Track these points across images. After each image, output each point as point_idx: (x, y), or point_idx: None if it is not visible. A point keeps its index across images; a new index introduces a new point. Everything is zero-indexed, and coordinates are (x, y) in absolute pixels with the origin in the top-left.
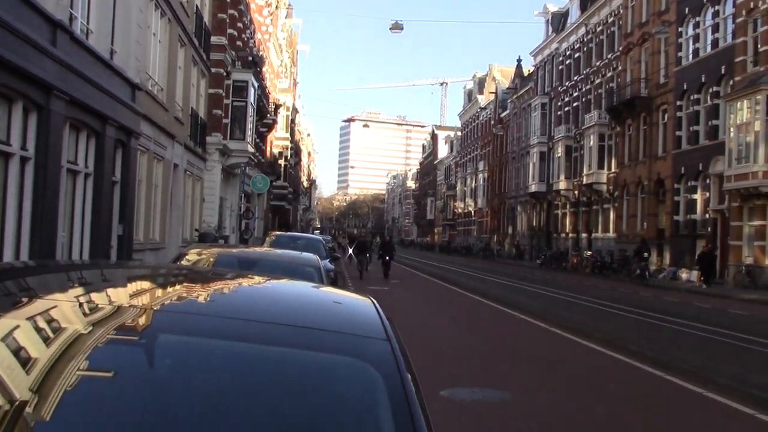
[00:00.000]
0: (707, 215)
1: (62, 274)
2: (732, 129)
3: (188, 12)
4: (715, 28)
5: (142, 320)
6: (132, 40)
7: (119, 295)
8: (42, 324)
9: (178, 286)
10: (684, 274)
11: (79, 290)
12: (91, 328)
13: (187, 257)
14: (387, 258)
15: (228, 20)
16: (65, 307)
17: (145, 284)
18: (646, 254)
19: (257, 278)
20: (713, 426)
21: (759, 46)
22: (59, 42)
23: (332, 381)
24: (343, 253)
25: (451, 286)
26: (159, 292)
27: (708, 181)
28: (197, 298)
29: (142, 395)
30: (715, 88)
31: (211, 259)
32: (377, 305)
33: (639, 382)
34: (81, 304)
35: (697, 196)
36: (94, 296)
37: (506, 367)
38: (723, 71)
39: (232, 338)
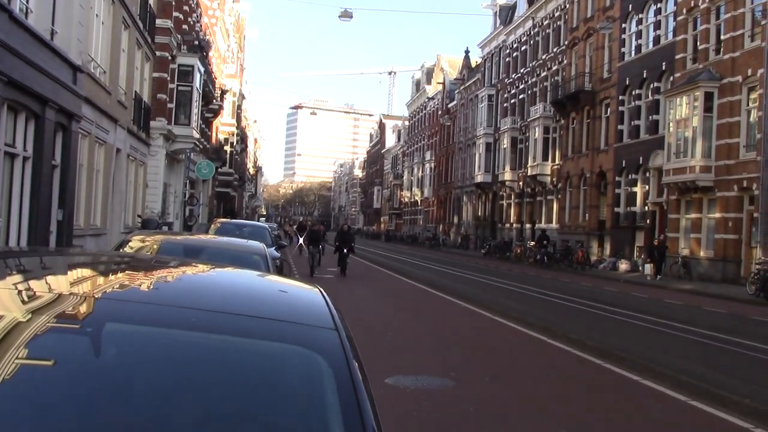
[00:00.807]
0: (647, 208)
1: None
2: (671, 124)
3: None
4: (657, 26)
5: (83, 308)
6: (74, 21)
7: (60, 282)
8: None
9: (121, 274)
10: (623, 265)
11: (17, 277)
12: (30, 316)
13: (130, 244)
14: (344, 250)
15: (174, 3)
16: (3, 294)
17: (88, 272)
18: (545, 242)
19: (202, 266)
20: (651, 412)
21: (698, 43)
22: None
23: (280, 370)
24: (290, 242)
25: (400, 276)
26: (102, 279)
27: (648, 174)
28: (141, 286)
29: (83, 384)
30: (656, 84)
31: (155, 247)
32: (325, 294)
33: (579, 370)
34: (20, 292)
35: (637, 189)
36: (34, 284)
37: (449, 356)
38: (664, 68)
39: (177, 327)
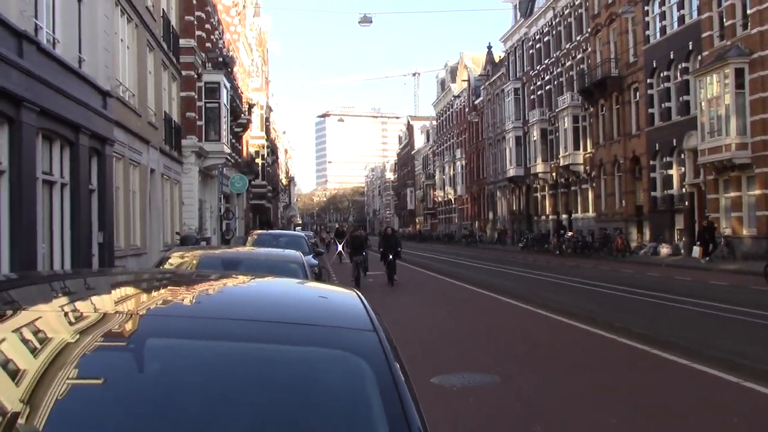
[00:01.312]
0: (684, 190)
1: (45, 284)
2: (703, 104)
3: (155, 16)
4: (681, 5)
5: (129, 326)
6: (100, 48)
7: (104, 302)
8: (28, 335)
9: (163, 290)
10: (664, 249)
11: (63, 299)
12: (78, 336)
13: (169, 261)
14: (391, 257)
15: (196, 22)
16: (51, 317)
17: (130, 290)
18: (562, 231)
19: (241, 277)
20: (702, 396)
21: (724, 20)
22: (26, 53)
23: (321, 374)
24: (328, 250)
25: (439, 275)
26: (144, 296)
27: (683, 156)
28: (183, 300)
29: (133, 400)
30: (684, 65)
31: (195, 262)
32: (362, 297)
33: (626, 358)
34: (66, 314)
35: (673, 172)
36: (80, 305)
37: (494, 352)
38: (691, 47)
39: (220, 338)
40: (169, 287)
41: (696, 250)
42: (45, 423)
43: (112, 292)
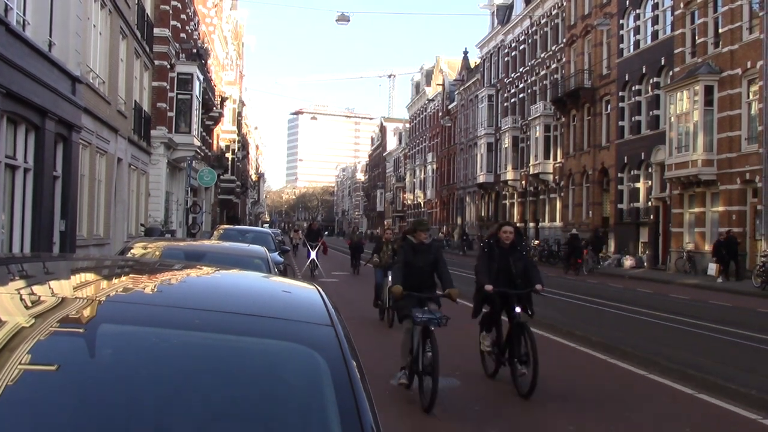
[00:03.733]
0: (650, 203)
1: (2, 267)
2: (672, 119)
3: (129, 3)
4: (655, 20)
5: (87, 312)
6: (71, 32)
7: (63, 286)
8: None
9: (124, 278)
10: (628, 261)
11: (20, 282)
12: (33, 320)
13: (132, 251)
14: (519, 310)
15: (171, 11)
16: (5, 299)
17: (90, 276)
18: (465, 237)
19: (203, 268)
20: (655, 404)
21: (697, 37)
22: None
23: (277, 366)
24: (295, 254)
25: None
26: (104, 283)
27: (650, 169)
28: (143, 288)
29: (87, 386)
30: (655, 79)
31: (157, 253)
32: (322, 292)
33: (584, 365)
34: (22, 297)
35: (640, 185)
36: (37, 288)
37: (455, 355)
38: (663, 62)
39: (178, 327)
40: (130, 275)
41: (712, 268)
42: None
43: (72, 276)
